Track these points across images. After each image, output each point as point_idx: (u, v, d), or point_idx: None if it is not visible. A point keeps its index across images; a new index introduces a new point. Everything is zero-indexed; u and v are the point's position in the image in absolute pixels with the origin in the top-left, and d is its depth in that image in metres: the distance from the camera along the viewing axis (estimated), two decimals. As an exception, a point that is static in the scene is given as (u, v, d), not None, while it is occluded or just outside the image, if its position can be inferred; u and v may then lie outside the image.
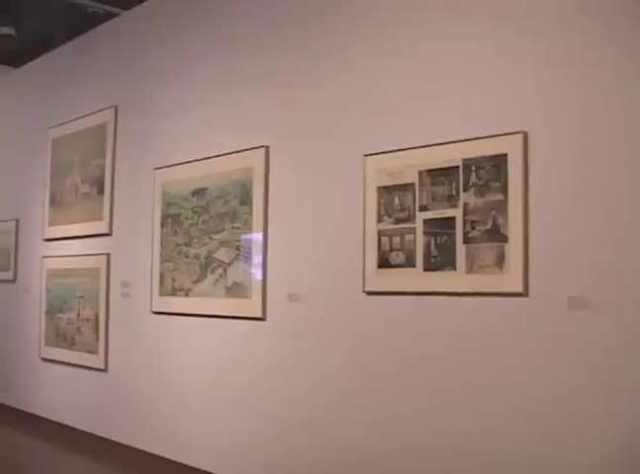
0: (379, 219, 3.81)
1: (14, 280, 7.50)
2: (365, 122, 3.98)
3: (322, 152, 4.22)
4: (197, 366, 5.03)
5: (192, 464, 4.96)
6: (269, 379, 4.45)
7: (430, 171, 3.60)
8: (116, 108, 6.04)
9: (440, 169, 3.56)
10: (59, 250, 6.67)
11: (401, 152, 3.75)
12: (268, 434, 4.43)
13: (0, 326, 7.71)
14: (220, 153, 4.90)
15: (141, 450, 5.45)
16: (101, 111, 6.19)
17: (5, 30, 6.79)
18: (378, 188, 3.84)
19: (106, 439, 5.86)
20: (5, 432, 6.87)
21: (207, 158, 5.01)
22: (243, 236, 4.66)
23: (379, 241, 3.80)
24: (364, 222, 3.88)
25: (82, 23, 6.64)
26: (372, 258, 3.82)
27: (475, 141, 3.42)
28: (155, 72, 5.71)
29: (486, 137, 3.38)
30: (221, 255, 4.80)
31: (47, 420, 6.70)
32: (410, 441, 3.64)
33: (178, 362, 5.19)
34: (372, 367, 3.84)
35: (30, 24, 6.88)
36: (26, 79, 7.75)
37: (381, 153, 3.85)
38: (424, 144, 3.64)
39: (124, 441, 5.65)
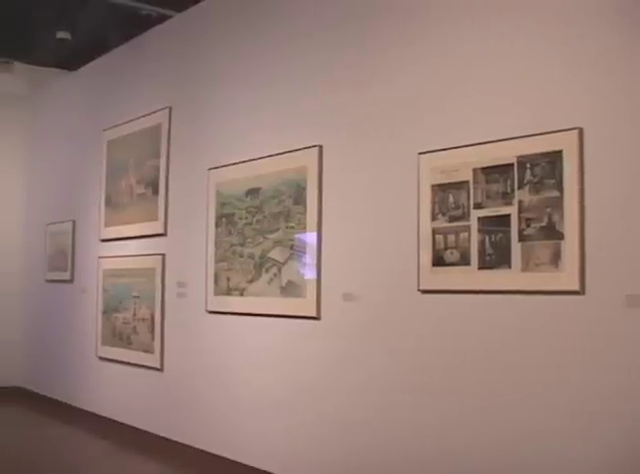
0: (434, 217, 3.87)
1: (71, 281, 7.75)
2: (420, 121, 4.05)
3: (376, 151, 4.30)
4: (252, 365, 5.15)
5: (248, 463, 5.08)
6: (324, 379, 4.54)
7: (484, 169, 3.66)
8: (170, 109, 6.20)
9: (494, 166, 3.61)
10: (115, 250, 6.88)
11: (455, 150, 3.81)
12: (325, 434, 4.52)
13: (58, 325, 7.97)
14: (274, 153, 5.02)
15: (198, 449, 5.60)
16: (155, 112, 6.37)
17: (61, 34, 7.01)
18: (432, 186, 3.90)
19: (162, 438, 6.04)
20: (63, 429, 7.11)
21: (261, 158, 5.13)
22: (297, 235, 4.77)
23: (434, 239, 3.87)
24: (419, 221, 3.95)
25: (136, 25, 6.83)
26: (427, 256, 3.89)
27: (530, 138, 3.46)
28: (208, 73, 5.85)
29: (540, 134, 3.42)
30: (275, 254, 4.92)
31: (104, 418, 6.93)
32: (462, 441, 3.70)
33: (233, 362, 5.32)
34: (428, 366, 3.90)
35: (85, 28, 7.09)
36: (81, 82, 8.01)
37: (436, 151, 3.91)
38: (478, 142, 3.70)
39: (181, 440, 5.81)
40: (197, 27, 6.08)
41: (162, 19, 6.54)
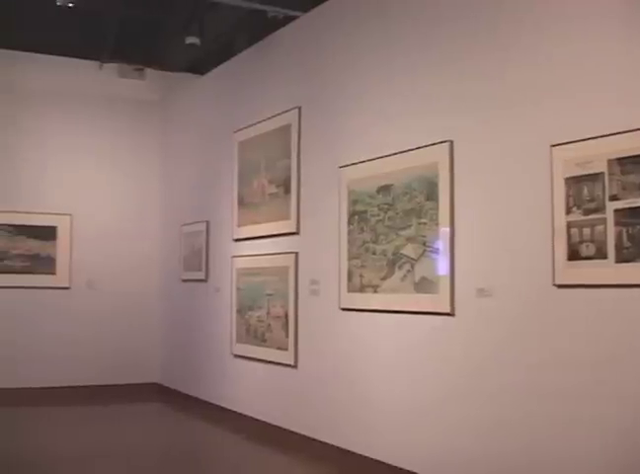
0: (568, 211, 3.99)
1: (206, 280, 8.24)
2: (551, 113, 4.17)
3: (507, 144, 4.45)
4: (386, 362, 5.37)
5: (385, 460, 5.27)
6: (459, 376, 4.70)
7: (619, 159, 3.74)
8: (299, 109, 6.53)
9: (630, 157, 3.69)
10: (248, 249, 7.29)
11: (589, 141, 3.90)
12: (460, 433, 4.66)
13: (193, 324, 8.49)
14: (404, 149, 5.24)
15: (332, 445, 5.87)
16: (284, 112, 6.73)
17: (191, 39, 7.48)
18: (566, 178, 4.02)
19: (296, 433, 6.36)
20: (199, 424, 7.60)
21: (391, 155, 5.36)
22: (430, 232, 4.96)
23: (568, 233, 3.98)
24: (552, 214, 4.07)
25: (262, 28, 7.19)
26: (562, 250, 4.01)
27: (667, 128, 3.51)
28: (336, 71, 6.14)
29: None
30: (408, 251, 5.14)
31: (239, 413, 7.35)
32: (612, 440, 3.75)
33: (367, 358, 5.56)
34: (567, 361, 3.99)
35: (213, 32, 7.51)
36: (211, 85, 8.50)
37: (568, 143, 4.01)
38: (613, 132, 3.77)
39: (315, 436, 6.11)
40: (322, 26, 6.38)
41: (288, 20, 6.86)
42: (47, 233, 9.19)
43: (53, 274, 9.21)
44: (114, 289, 9.38)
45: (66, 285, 9.23)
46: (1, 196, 8.97)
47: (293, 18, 6.79)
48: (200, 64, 8.52)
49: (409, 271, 5.13)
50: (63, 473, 5.68)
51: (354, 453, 5.58)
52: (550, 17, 4.23)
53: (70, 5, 7.49)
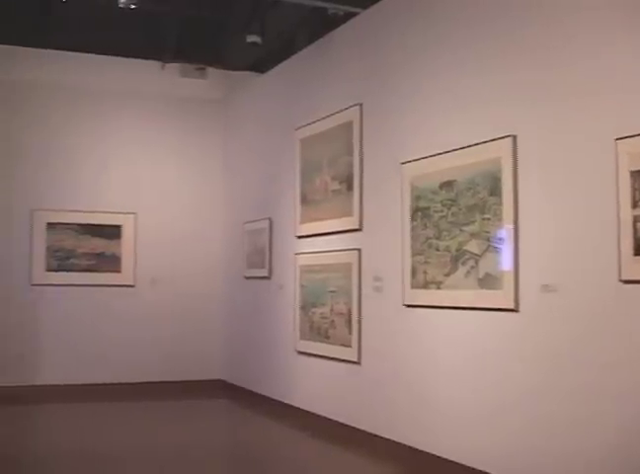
0: (634, 205, 4.01)
1: (269, 277, 8.40)
2: (615, 105, 4.18)
3: (571, 138, 4.48)
4: (450, 358, 5.44)
5: (451, 459, 5.32)
6: (522, 371, 4.74)
7: (687, 153, 3.75)
8: (360, 105, 6.63)
9: (698, 150, 3.69)
10: (311, 246, 7.43)
11: (656, 134, 3.91)
12: (528, 431, 4.68)
13: (257, 321, 8.67)
14: (467, 145, 5.29)
15: (396, 442, 5.95)
16: (346, 109, 6.85)
17: (252, 38, 7.63)
18: (632, 172, 4.03)
19: (359, 430, 6.46)
20: (264, 421, 7.78)
21: (454, 150, 5.42)
22: (493, 227, 5.01)
23: (635, 227, 4.00)
24: (618, 208, 4.09)
25: (323, 25, 7.31)
26: (628, 245, 4.03)
27: None
28: (398, 67, 6.23)
29: None
30: (472, 247, 5.20)
31: (302, 410, 7.50)
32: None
33: (431, 354, 5.64)
34: (633, 359, 4.00)
35: (274, 30, 7.65)
36: (272, 84, 8.66)
37: (634, 136, 4.01)
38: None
39: (378, 433, 6.20)
40: (382, 22, 6.47)
41: (348, 17, 6.96)
42: (112, 232, 9.46)
43: (118, 272, 9.49)
44: (178, 287, 9.64)
45: (131, 283, 9.51)
46: (67, 195, 9.28)
47: (353, 14, 6.89)
48: (261, 63, 8.67)
49: (473, 267, 5.19)
50: (133, 466, 5.90)
51: (419, 451, 5.64)
52: (614, 7, 4.24)
53: (132, 6, 7.70)
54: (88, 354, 9.14)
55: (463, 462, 5.17)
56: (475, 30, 5.36)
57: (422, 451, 5.60)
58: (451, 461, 5.29)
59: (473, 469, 5.07)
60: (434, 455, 5.48)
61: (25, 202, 9.10)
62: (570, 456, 4.37)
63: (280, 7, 7.31)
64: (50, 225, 9.23)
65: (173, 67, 8.94)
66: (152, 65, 8.91)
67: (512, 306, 4.82)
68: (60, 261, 9.27)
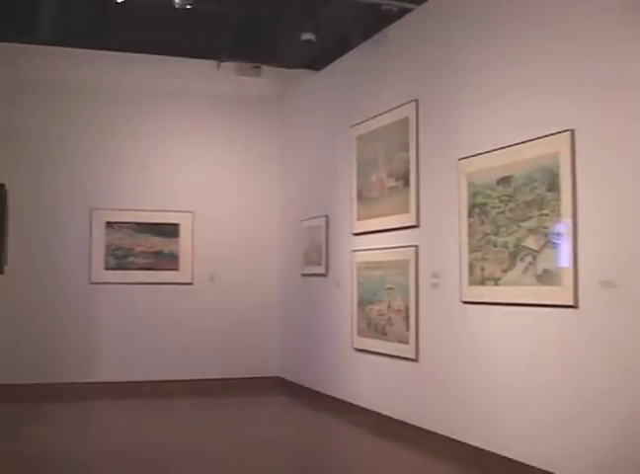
0: (696, 199, 4.01)
1: (325, 274, 8.51)
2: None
3: (630, 131, 4.47)
4: (507, 355, 5.47)
5: (510, 456, 5.34)
6: (583, 367, 4.75)
7: None
8: (416, 101, 6.70)
9: None
10: (368, 243, 7.52)
11: None
12: (591, 425, 4.69)
13: (314, 318, 8.81)
14: (524, 140, 5.32)
15: (453, 439, 6.01)
16: (402, 105, 6.93)
17: (306, 35, 7.72)
18: (693, 166, 4.04)
19: (416, 427, 6.54)
20: (322, 417, 7.91)
21: (511, 146, 5.45)
22: (552, 223, 5.04)
23: (696, 222, 4.00)
24: (680, 203, 4.09)
25: (377, 21, 7.39)
26: (690, 239, 4.03)
27: None
28: (453, 63, 6.29)
29: None
30: (530, 242, 5.23)
31: (359, 407, 7.60)
32: None
33: (489, 351, 5.68)
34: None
35: (328, 28, 7.74)
36: (327, 81, 8.78)
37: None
38: None
39: (436, 430, 6.26)
40: (438, 17, 6.54)
41: (403, 13, 7.03)
42: (170, 230, 9.68)
43: (176, 270, 9.71)
44: (235, 284, 9.83)
45: (189, 281, 9.71)
46: (125, 194, 9.53)
47: (408, 10, 6.95)
48: (316, 60, 8.78)
49: (531, 263, 5.22)
50: (192, 462, 6.06)
51: (477, 449, 5.69)
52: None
53: (188, 7, 7.86)
54: (146, 351, 9.39)
55: (524, 461, 5.19)
56: (532, 21, 5.36)
57: (481, 449, 5.64)
58: (512, 460, 5.32)
59: (537, 469, 5.08)
60: (492, 453, 5.51)
61: (84, 202, 9.36)
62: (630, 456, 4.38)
63: (333, 4, 7.40)
64: (109, 224, 9.48)
65: (228, 66, 9.09)
66: (208, 65, 9.07)
67: (571, 303, 4.84)
68: (119, 259, 9.52)
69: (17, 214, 8.18)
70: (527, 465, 5.14)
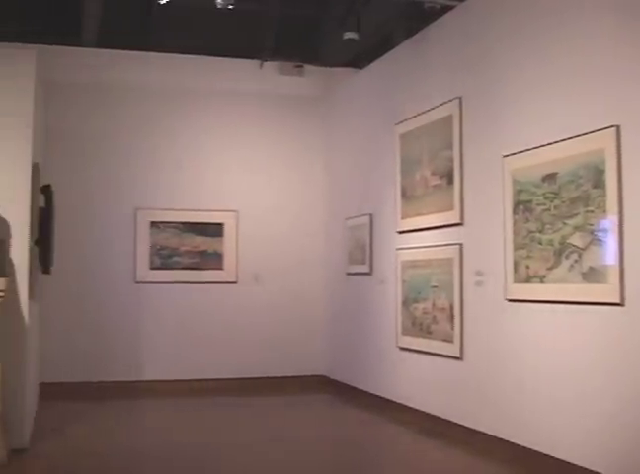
0: None
1: (370, 273, 8.57)
2: None
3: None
4: (554, 354, 5.45)
5: (556, 456, 5.34)
6: (630, 367, 4.74)
7: None
8: (460, 99, 6.73)
9: None
10: (412, 242, 7.57)
11: None
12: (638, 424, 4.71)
13: (358, 316, 8.88)
14: (569, 136, 5.32)
15: (499, 439, 6.01)
16: (445, 103, 6.96)
17: (349, 34, 7.82)
18: None
19: (461, 426, 6.57)
20: (367, 416, 7.98)
21: (556, 142, 5.46)
22: (597, 220, 5.04)
23: None
24: None
25: (419, 19, 7.45)
26: None
27: None
28: (496, 59, 6.30)
29: None
30: (575, 240, 5.24)
31: (404, 405, 7.65)
32: None
33: (535, 350, 5.67)
34: None
35: (370, 26, 7.82)
36: (370, 79, 8.83)
37: None
38: None
39: (482, 429, 6.27)
40: (480, 13, 6.57)
41: (445, 10, 7.07)
42: (214, 230, 9.81)
43: (221, 269, 9.83)
44: (279, 284, 9.94)
45: (233, 280, 9.83)
46: (170, 194, 9.68)
47: (450, 7, 7.00)
48: (358, 59, 8.86)
49: (576, 260, 5.22)
50: (241, 460, 6.18)
51: (524, 448, 5.69)
52: None
53: (230, 7, 7.98)
54: (191, 350, 9.52)
55: (571, 461, 5.18)
56: (577, 15, 5.35)
57: (529, 449, 5.63)
58: (557, 459, 5.32)
59: (585, 469, 5.06)
60: (540, 453, 5.50)
61: (129, 202, 9.52)
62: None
63: (375, 2, 7.48)
64: (154, 224, 9.63)
65: (271, 66, 9.21)
66: (251, 64, 9.19)
67: (617, 300, 4.83)
68: (164, 259, 9.67)
69: (63, 215, 8.33)
70: (575, 465, 5.13)
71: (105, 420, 7.79)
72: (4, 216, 6.15)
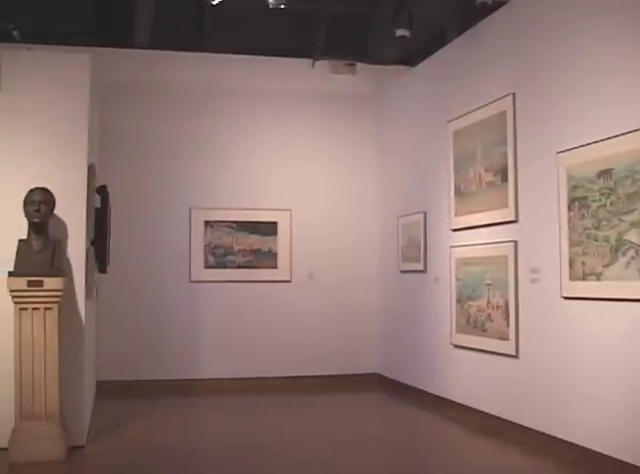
0: None
1: (424, 271, 8.62)
2: None
3: None
4: (610, 351, 5.44)
5: (613, 455, 5.31)
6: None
7: None
8: (513, 95, 6.74)
9: None
10: (466, 239, 7.60)
11: None
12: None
13: (412, 314, 8.93)
14: (624, 131, 5.30)
15: (554, 437, 6.01)
16: (498, 99, 6.98)
17: (400, 32, 7.86)
18: None
19: (517, 424, 6.57)
20: (422, 415, 8.06)
21: (611, 138, 5.44)
22: (654, 216, 5.02)
23: None
24: None
25: (471, 15, 7.47)
26: None
27: None
28: (549, 54, 6.30)
29: None
30: (632, 236, 5.21)
31: (458, 403, 7.69)
32: None
33: (591, 348, 5.65)
34: None
35: (422, 23, 7.86)
36: (422, 76, 8.88)
37: None
38: None
39: (538, 428, 6.27)
40: (532, 8, 6.58)
41: (497, 6, 7.08)
42: (268, 228, 9.93)
43: (275, 268, 9.95)
44: (333, 282, 10.02)
45: (287, 279, 9.95)
46: (224, 194, 9.82)
47: (503, 3, 7.00)
48: (410, 56, 8.89)
49: (633, 257, 5.20)
50: (296, 457, 6.29)
51: (580, 447, 5.67)
52: None
53: (282, 6, 8.09)
54: (245, 348, 9.65)
55: (630, 461, 5.15)
56: (629, 12, 5.32)
57: (585, 448, 5.61)
58: (615, 459, 5.29)
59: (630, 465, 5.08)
60: (597, 452, 5.49)
61: (184, 201, 9.68)
62: None
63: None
64: (208, 223, 9.78)
65: (323, 64, 9.28)
66: (303, 63, 9.28)
67: (675, 297, 4.83)
68: (218, 258, 9.81)
69: (118, 215, 8.51)
70: (634, 465, 5.11)
71: (161, 418, 7.95)
72: (61, 217, 6.33)
